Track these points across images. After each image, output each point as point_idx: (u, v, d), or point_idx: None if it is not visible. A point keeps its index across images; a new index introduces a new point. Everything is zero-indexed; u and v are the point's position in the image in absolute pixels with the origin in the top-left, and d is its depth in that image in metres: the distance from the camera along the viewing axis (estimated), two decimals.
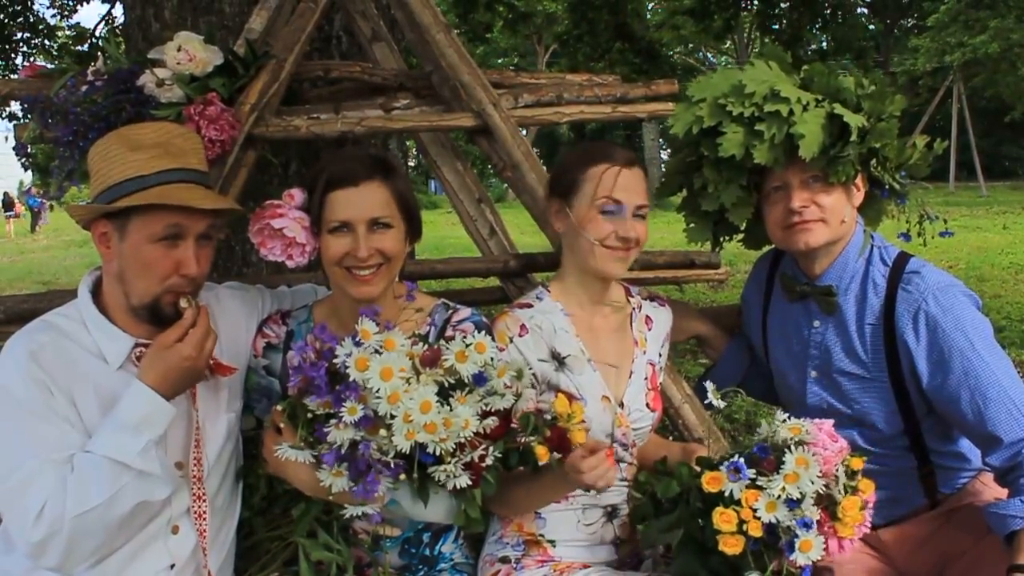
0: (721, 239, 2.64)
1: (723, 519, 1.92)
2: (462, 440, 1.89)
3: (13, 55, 13.68)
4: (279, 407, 2.02)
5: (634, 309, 2.50)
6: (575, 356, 2.33)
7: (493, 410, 1.95)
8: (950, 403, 2.20)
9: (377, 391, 1.82)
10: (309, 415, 1.94)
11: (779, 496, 1.91)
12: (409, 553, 2.33)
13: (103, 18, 13.27)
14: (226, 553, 2.22)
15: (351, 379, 1.84)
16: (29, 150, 2.74)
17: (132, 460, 1.89)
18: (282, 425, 2.02)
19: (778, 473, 1.93)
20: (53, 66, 2.92)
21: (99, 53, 2.64)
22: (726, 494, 1.95)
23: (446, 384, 1.92)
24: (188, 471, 2.12)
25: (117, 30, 12.73)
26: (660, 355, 2.54)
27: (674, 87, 3.12)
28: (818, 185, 2.31)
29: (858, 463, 2.03)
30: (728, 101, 2.32)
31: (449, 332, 2.27)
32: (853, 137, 2.24)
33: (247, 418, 2.34)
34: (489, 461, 1.95)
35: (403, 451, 1.84)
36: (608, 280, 2.39)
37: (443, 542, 2.37)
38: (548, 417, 2.11)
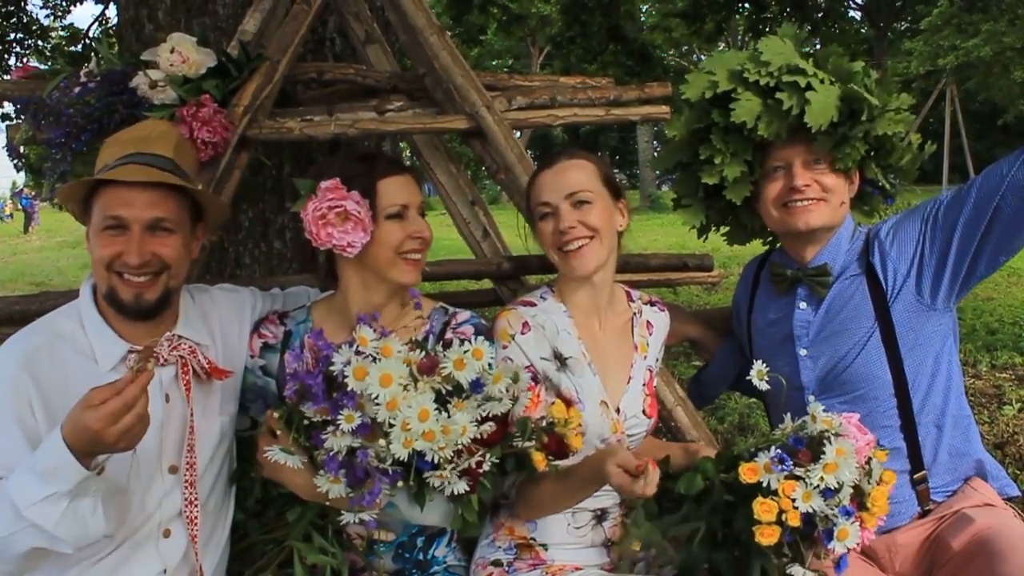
0: (710, 225, 2.66)
1: (764, 509, 1.93)
2: (459, 447, 1.89)
3: (6, 55, 13.67)
4: (275, 414, 2.02)
5: (635, 314, 2.50)
6: (576, 358, 2.33)
7: (490, 415, 1.95)
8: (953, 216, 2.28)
9: (375, 398, 1.82)
10: (306, 422, 1.94)
11: (817, 486, 1.93)
12: (403, 558, 2.32)
13: (96, 19, 13.27)
14: (219, 556, 2.22)
15: (349, 388, 1.84)
16: (22, 151, 2.74)
17: (25, 509, 1.75)
18: (278, 431, 2.02)
19: (816, 463, 1.95)
20: (46, 67, 2.92)
21: (92, 54, 2.64)
22: (764, 484, 1.96)
23: (443, 391, 1.92)
24: (181, 474, 2.11)
25: (110, 31, 12.72)
26: (657, 360, 2.54)
27: (667, 90, 3.13)
28: (820, 167, 2.36)
29: (883, 455, 2.06)
30: (745, 68, 2.35)
31: (448, 335, 2.27)
32: (864, 117, 2.28)
33: (242, 418, 2.34)
34: (486, 467, 1.95)
35: (401, 459, 1.84)
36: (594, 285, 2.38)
37: (436, 546, 2.37)
38: (545, 423, 2.11)
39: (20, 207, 37.27)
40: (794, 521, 1.92)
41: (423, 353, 1.94)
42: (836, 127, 2.30)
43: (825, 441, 1.98)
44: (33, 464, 1.78)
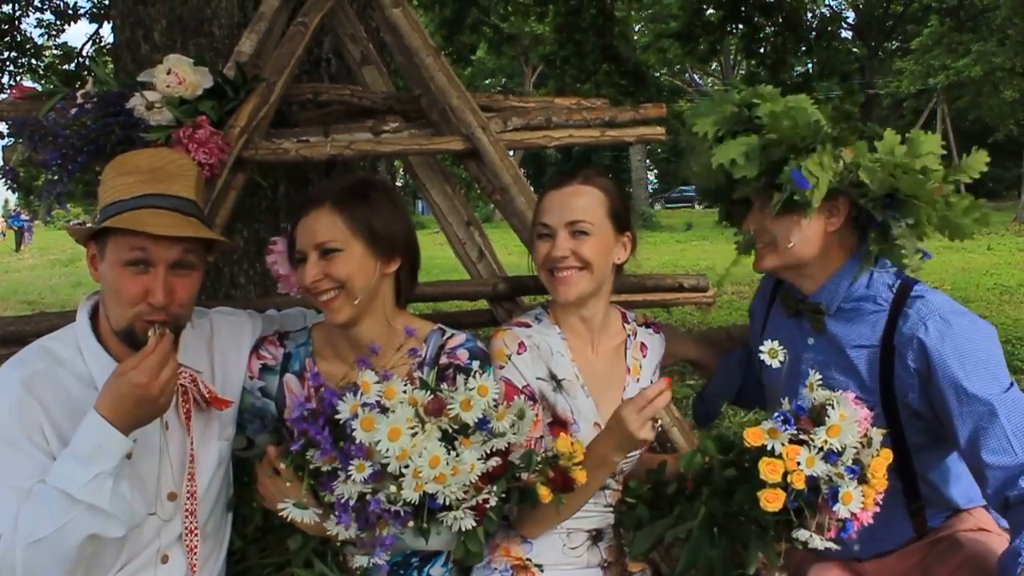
0: None
1: (770, 468, 1.92)
2: (468, 485, 1.90)
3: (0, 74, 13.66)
4: (281, 462, 2.02)
5: (629, 336, 2.50)
6: (570, 380, 2.33)
7: (495, 449, 1.96)
8: (945, 426, 2.19)
9: (386, 451, 1.83)
10: (312, 467, 1.94)
11: (821, 448, 1.94)
12: None
13: (90, 38, 13.28)
14: None
15: (358, 441, 1.85)
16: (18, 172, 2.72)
17: (77, 491, 1.80)
18: (280, 467, 2.02)
19: (820, 427, 1.96)
20: (41, 87, 2.91)
21: (86, 74, 2.64)
22: (768, 448, 1.95)
23: (450, 430, 1.93)
24: (180, 501, 2.10)
25: (104, 49, 12.74)
26: (651, 382, 2.53)
27: (662, 111, 3.12)
28: (767, 213, 2.27)
29: (879, 433, 2.06)
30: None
31: (443, 359, 2.27)
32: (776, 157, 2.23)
33: (238, 438, 2.33)
34: (493, 502, 1.96)
35: (412, 502, 1.86)
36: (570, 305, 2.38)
37: (432, 565, 2.36)
38: (549, 455, 2.11)
39: (11, 227, 37.22)
40: (799, 483, 1.90)
41: (429, 393, 1.95)
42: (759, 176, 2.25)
43: (828, 407, 1.99)
44: (73, 452, 1.84)
